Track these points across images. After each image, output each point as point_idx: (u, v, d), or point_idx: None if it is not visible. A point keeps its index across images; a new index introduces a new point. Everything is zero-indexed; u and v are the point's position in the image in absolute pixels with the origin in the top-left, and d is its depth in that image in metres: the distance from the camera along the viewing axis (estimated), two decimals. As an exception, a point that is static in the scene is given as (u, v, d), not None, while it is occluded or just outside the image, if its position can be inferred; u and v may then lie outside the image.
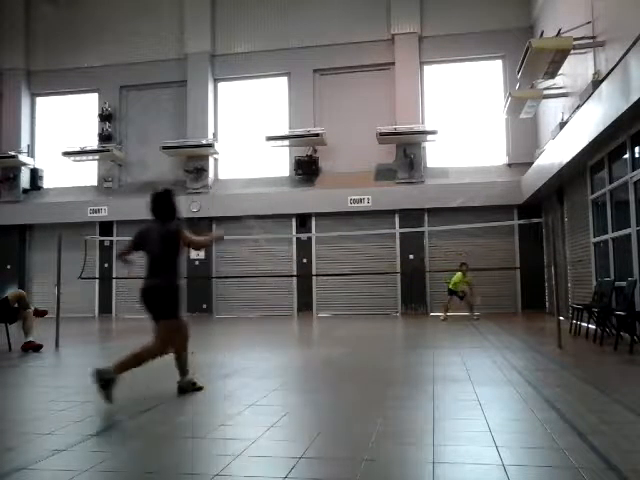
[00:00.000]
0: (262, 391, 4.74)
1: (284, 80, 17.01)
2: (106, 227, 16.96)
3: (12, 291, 8.16)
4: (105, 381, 4.14)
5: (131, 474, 2.76)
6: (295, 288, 16.02)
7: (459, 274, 12.52)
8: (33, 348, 7.62)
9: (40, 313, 8.19)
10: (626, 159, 8.56)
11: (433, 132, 15.36)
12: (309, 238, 15.95)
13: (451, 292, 12.64)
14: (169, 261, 4.62)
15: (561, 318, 8.63)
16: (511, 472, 2.65)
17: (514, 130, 15.39)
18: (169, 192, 4.82)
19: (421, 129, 15.50)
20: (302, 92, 16.64)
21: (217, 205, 16.35)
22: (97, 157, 17.30)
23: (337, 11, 16.50)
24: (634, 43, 6.98)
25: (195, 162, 16.71)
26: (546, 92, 12.11)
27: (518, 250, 15.05)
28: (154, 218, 4.72)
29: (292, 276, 16.04)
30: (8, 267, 17.09)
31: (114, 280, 16.74)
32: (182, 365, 4.72)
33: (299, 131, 16.08)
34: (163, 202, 4.73)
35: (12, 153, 17.31)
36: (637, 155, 8.24)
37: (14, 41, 18.18)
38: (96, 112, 17.82)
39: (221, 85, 17.50)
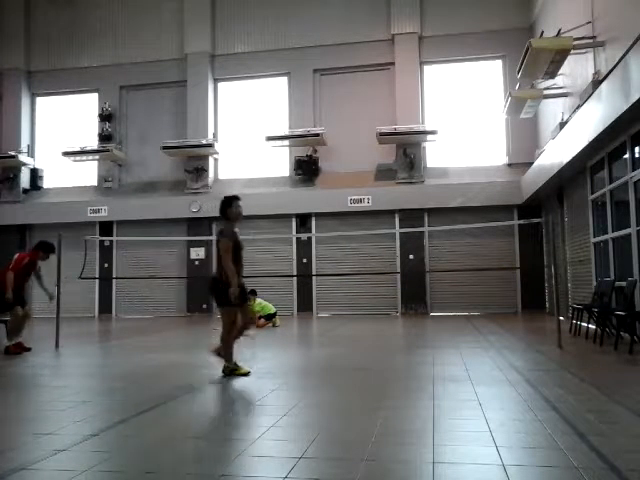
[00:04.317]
0: (262, 391, 4.74)
1: (284, 80, 17.00)
2: (106, 227, 16.96)
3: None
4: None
5: (131, 474, 2.76)
6: (295, 288, 16.02)
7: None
8: (20, 350, 7.45)
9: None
10: (626, 159, 8.55)
11: (433, 132, 15.36)
12: (309, 238, 15.95)
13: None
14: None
15: (561, 318, 8.63)
16: (511, 472, 2.65)
17: (514, 130, 15.39)
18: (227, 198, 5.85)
19: (421, 129, 15.50)
20: (302, 92, 16.64)
21: (217, 205, 16.28)
22: (97, 157, 17.29)
23: (337, 11, 16.50)
24: (634, 43, 6.97)
25: (195, 162, 16.71)
26: (546, 92, 12.11)
27: (518, 250, 15.05)
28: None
29: (292, 276, 16.03)
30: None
31: (114, 280, 16.75)
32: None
33: (299, 131, 16.08)
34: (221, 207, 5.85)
35: (12, 153, 17.31)
36: (637, 155, 8.24)
37: (14, 41, 18.18)
38: (96, 112, 17.82)
39: (221, 85, 17.50)
